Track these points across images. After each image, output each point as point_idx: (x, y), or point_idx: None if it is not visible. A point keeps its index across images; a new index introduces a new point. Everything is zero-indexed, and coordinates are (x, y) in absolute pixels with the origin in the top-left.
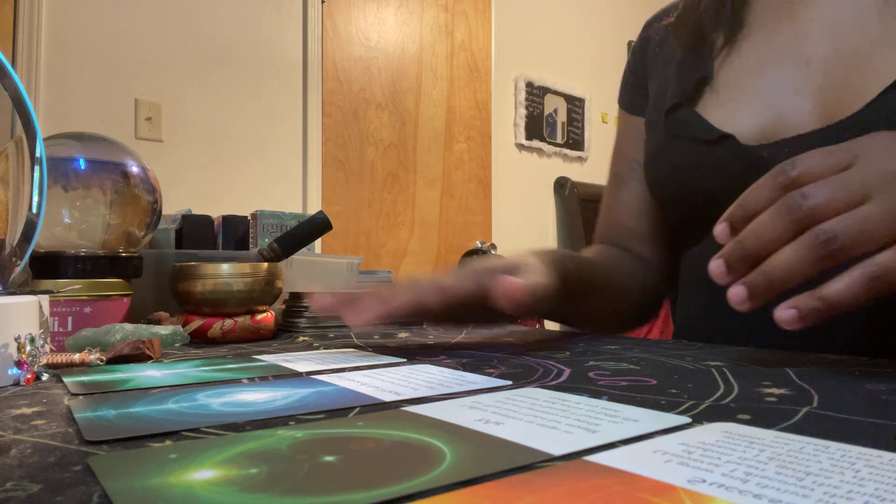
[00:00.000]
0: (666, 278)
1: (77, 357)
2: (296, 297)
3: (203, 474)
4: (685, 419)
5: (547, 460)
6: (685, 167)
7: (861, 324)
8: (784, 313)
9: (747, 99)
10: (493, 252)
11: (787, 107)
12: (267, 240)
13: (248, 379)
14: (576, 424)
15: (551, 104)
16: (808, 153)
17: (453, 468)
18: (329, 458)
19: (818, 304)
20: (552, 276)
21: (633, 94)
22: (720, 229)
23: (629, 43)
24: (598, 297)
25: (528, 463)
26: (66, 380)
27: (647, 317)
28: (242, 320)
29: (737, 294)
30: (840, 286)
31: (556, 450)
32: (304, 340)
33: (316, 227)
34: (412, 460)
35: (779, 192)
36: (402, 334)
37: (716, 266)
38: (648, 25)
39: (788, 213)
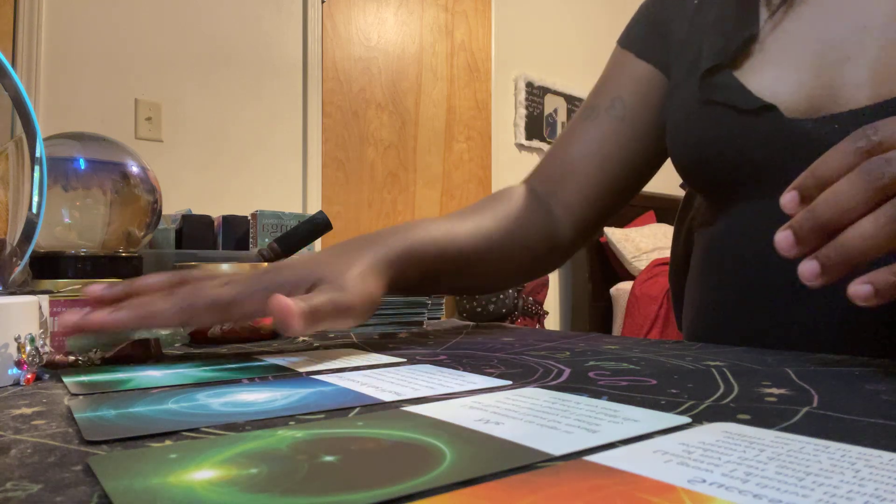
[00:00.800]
0: (578, 234)
1: (71, 357)
2: None
3: (203, 474)
4: (685, 419)
5: (547, 460)
6: (718, 137)
7: (890, 322)
8: (860, 289)
9: (794, 65)
10: None
11: (839, 77)
12: (267, 240)
13: (248, 379)
14: (576, 424)
15: (551, 104)
16: (892, 118)
17: (453, 468)
18: (329, 458)
19: (895, 279)
20: (376, 281)
21: (647, 38)
22: (789, 198)
23: None
24: (459, 276)
25: (528, 463)
26: (66, 380)
27: (531, 277)
28: None
29: (809, 269)
30: (855, 238)
31: (556, 450)
32: (304, 340)
33: (316, 227)
34: (412, 460)
35: (859, 157)
36: (402, 334)
37: (783, 237)
38: None
39: (870, 181)
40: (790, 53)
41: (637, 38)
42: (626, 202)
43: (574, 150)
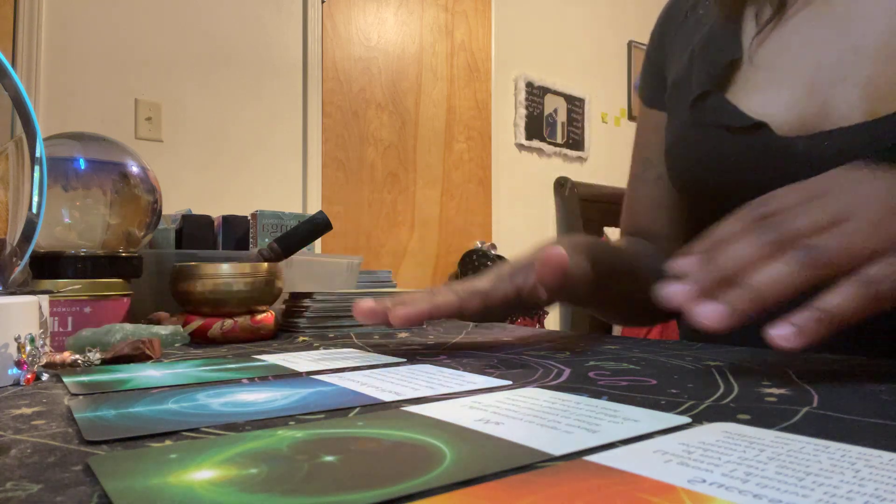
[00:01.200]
0: None
1: (69, 358)
2: (296, 297)
3: (203, 474)
4: (685, 419)
5: (547, 460)
6: (711, 157)
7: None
8: (781, 330)
9: (787, 84)
10: (493, 252)
11: (831, 96)
12: (267, 240)
13: (248, 379)
14: (576, 424)
15: (551, 104)
16: (781, 190)
17: (453, 468)
18: (329, 458)
19: (818, 315)
20: (583, 261)
21: (650, 86)
22: (689, 261)
23: (629, 43)
24: (626, 284)
25: (527, 463)
26: (66, 380)
27: (653, 315)
28: (242, 320)
29: (714, 311)
30: (837, 298)
31: (556, 450)
32: (304, 340)
33: (316, 227)
34: (412, 460)
35: (753, 224)
36: (402, 334)
37: (676, 289)
38: (668, 8)
39: (768, 234)
40: (781, 72)
41: (644, 87)
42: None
43: (641, 218)
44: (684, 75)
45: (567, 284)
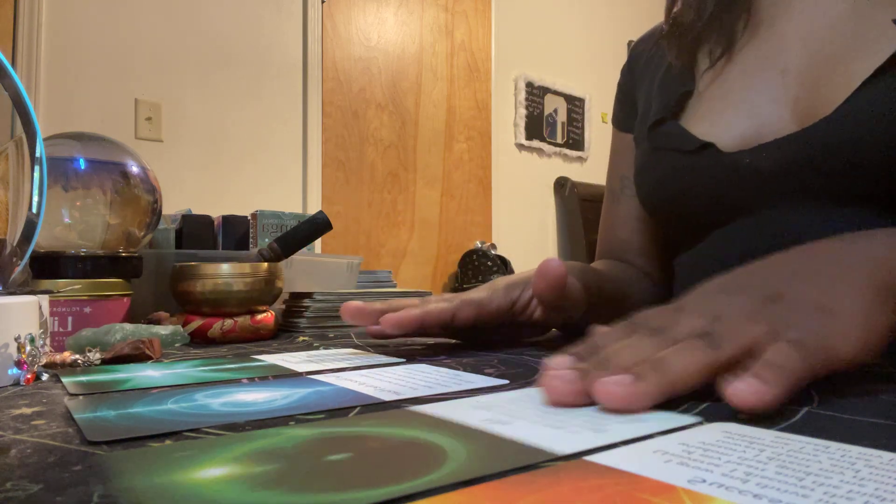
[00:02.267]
0: (665, 288)
1: (69, 358)
2: (296, 297)
3: (209, 472)
4: (685, 419)
5: (548, 460)
6: (669, 177)
7: None
8: (740, 386)
9: (729, 110)
10: (493, 252)
11: (767, 115)
12: (267, 240)
13: (248, 379)
14: (579, 424)
15: (551, 104)
16: (645, 312)
17: (457, 467)
18: (335, 457)
19: (652, 366)
20: (577, 284)
21: (623, 112)
22: (568, 359)
23: (629, 43)
24: (612, 309)
25: (529, 462)
26: (65, 380)
27: None
28: (242, 320)
29: (620, 383)
30: (779, 355)
31: (558, 449)
32: (304, 340)
33: (316, 227)
34: (417, 459)
35: (633, 330)
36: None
37: (563, 375)
38: (635, 46)
39: (657, 335)
40: (724, 100)
41: (617, 112)
42: None
43: (618, 231)
44: (646, 110)
45: (562, 304)
